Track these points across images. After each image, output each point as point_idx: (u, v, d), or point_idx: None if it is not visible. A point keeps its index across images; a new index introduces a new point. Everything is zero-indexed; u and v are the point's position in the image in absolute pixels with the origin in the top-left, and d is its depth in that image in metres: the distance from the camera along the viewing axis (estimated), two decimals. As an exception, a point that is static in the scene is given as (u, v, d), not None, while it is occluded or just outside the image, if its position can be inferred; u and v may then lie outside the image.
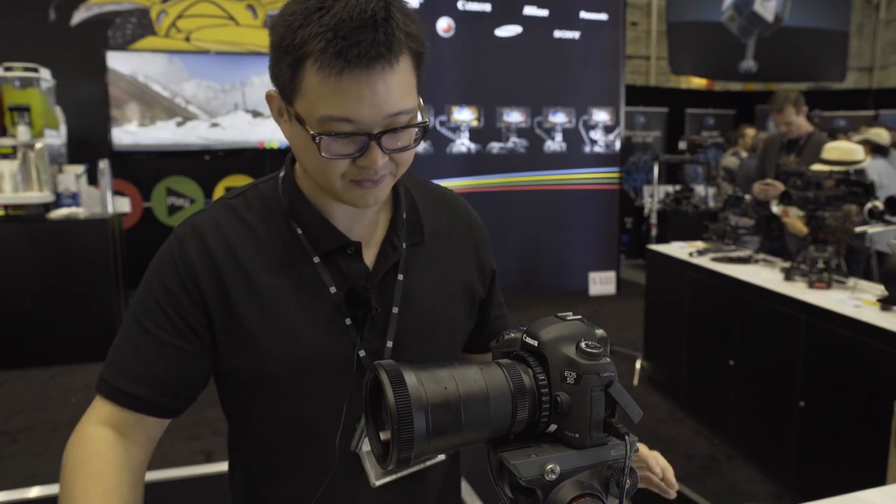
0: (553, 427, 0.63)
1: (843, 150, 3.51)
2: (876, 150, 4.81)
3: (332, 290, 0.97)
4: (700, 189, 8.44)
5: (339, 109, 0.83)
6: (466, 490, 3.22)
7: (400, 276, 1.02)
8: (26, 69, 4.76)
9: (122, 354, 0.95)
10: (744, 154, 7.04)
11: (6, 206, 4.58)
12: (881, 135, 5.06)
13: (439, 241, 1.08)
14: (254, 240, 0.97)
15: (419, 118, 0.90)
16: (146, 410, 0.94)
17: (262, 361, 0.94)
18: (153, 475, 2.42)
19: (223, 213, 0.99)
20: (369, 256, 1.01)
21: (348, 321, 0.97)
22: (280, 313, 0.94)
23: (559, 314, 0.66)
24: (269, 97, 0.94)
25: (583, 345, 0.61)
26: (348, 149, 0.86)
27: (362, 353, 0.97)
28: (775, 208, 3.68)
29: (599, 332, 0.64)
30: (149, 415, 0.94)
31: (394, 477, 1.00)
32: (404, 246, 1.03)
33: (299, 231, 0.98)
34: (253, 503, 1.05)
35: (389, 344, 0.99)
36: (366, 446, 0.98)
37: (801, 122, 4.14)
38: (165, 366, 0.93)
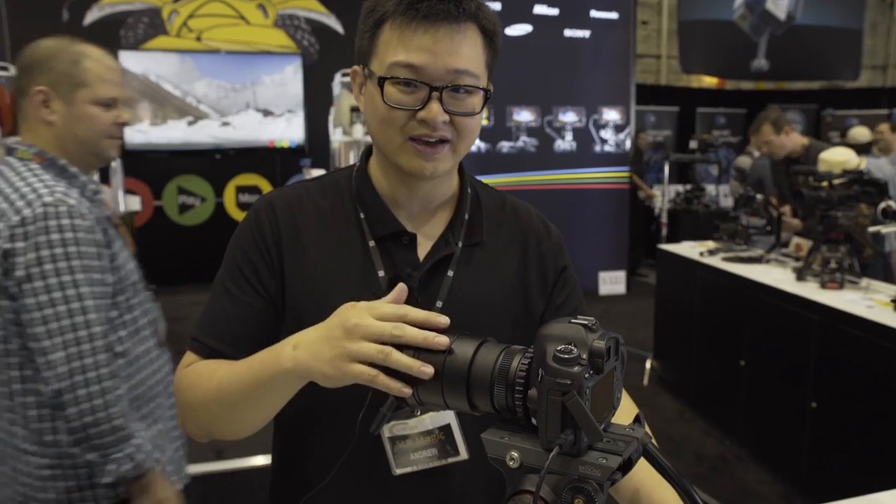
0: (534, 421, 0.65)
1: (836, 161, 3.48)
2: (857, 151, 4.78)
3: (381, 273, 1.01)
4: (711, 188, 8.40)
5: (404, 55, 0.91)
6: None
7: (450, 273, 1.04)
8: (39, 69, 4.79)
9: (209, 314, 1.03)
10: (756, 153, 7.00)
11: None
12: (861, 134, 5.02)
13: (500, 248, 1.09)
14: (318, 219, 1.04)
15: (489, 88, 0.96)
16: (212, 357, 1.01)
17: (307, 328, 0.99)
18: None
19: (296, 193, 1.07)
20: (424, 249, 1.04)
21: None
22: (325, 288, 1.00)
23: (577, 317, 0.65)
24: (353, 73, 1.02)
25: (559, 348, 0.62)
26: (410, 100, 0.93)
27: None
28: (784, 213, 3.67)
29: (599, 343, 0.62)
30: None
31: (415, 468, 1.01)
32: (460, 245, 1.05)
33: (362, 215, 1.04)
34: (285, 467, 1.08)
35: None
36: (388, 432, 0.99)
37: (783, 141, 4.00)
38: (244, 326, 1.01)
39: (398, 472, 1.00)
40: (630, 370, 4.26)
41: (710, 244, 4.25)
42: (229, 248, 1.05)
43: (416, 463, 1.01)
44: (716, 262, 3.83)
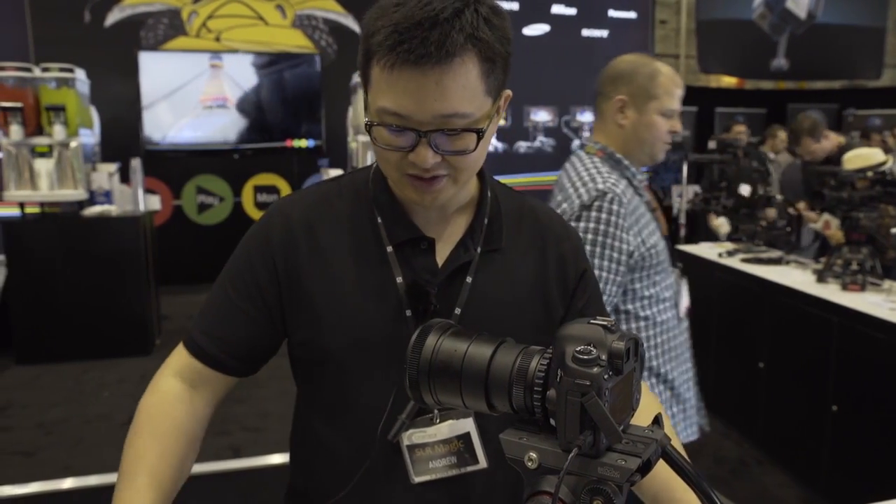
0: (553, 422, 0.65)
1: (862, 157, 3.44)
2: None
3: (399, 280, 1.00)
4: (730, 189, 8.32)
5: (390, 102, 0.87)
6: None
7: (468, 279, 1.02)
8: (62, 70, 4.85)
9: (206, 312, 1.04)
10: (772, 155, 6.93)
11: (42, 204, 4.68)
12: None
13: (520, 253, 1.07)
14: (336, 223, 1.03)
15: (486, 124, 0.91)
16: (214, 366, 1.03)
17: (323, 337, 1.00)
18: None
19: (313, 196, 1.06)
20: (442, 255, 1.03)
21: (409, 313, 0.99)
22: (345, 295, 0.99)
23: (596, 318, 0.65)
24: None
25: (578, 349, 0.61)
26: (400, 142, 0.90)
27: None
28: (816, 225, 3.65)
29: (618, 344, 0.62)
30: (216, 370, 1.03)
31: (434, 476, 1.00)
32: (479, 250, 1.03)
33: (379, 220, 1.02)
34: (303, 473, 1.08)
35: None
36: (407, 440, 0.99)
37: (824, 146, 4.17)
38: (236, 330, 1.01)
39: (417, 480, 1.00)
40: (647, 371, 4.23)
41: (729, 245, 4.22)
42: (237, 250, 1.05)
43: (435, 471, 1.00)
44: (735, 263, 3.80)
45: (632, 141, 1.80)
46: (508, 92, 0.99)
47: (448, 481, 1.01)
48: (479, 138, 0.91)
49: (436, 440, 1.00)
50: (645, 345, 1.68)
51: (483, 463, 1.02)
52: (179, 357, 1.04)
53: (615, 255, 1.65)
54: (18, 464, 3.25)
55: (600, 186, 1.67)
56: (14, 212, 4.69)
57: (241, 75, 6.49)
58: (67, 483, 3.01)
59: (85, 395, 4.13)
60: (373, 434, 0.98)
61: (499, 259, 1.05)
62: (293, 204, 1.04)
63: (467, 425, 1.02)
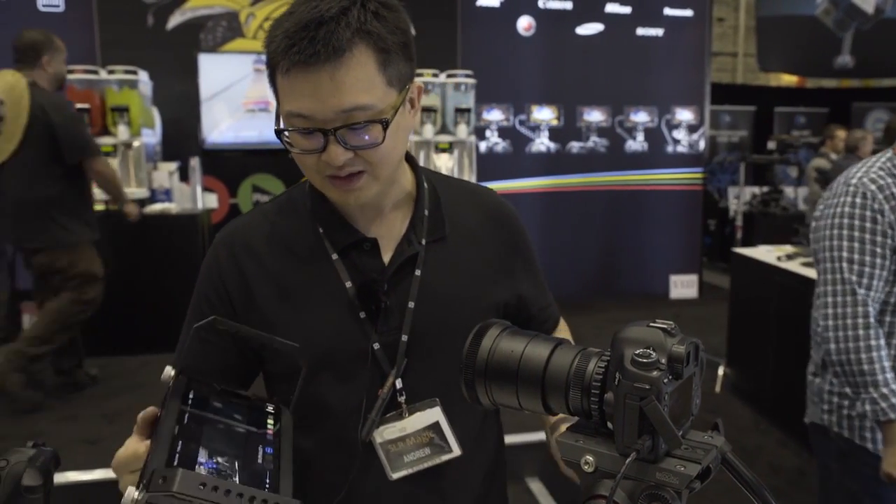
0: (610, 425, 0.64)
1: None
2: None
3: (348, 284, 1.02)
4: (789, 191, 8.10)
5: (293, 105, 0.91)
6: (540, 490, 3.20)
7: (417, 272, 1.05)
8: (126, 72, 5.02)
9: (179, 350, 1.08)
10: (833, 156, 6.72)
11: (106, 202, 4.84)
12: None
13: (464, 238, 1.10)
14: (279, 240, 1.05)
15: (390, 115, 0.92)
16: None
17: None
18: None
19: (253, 220, 1.09)
20: (387, 253, 1.05)
21: (362, 314, 1.02)
22: (299, 307, 1.02)
23: (656, 321, 0.64)
24: None
25: (638, 352, 0.61)
26: (311, 144, 0.93)
27: (376, 346, 1.02)
28: None
29: (678, 348, 0.61)
30: None
31: (411, 470, 1.01)
32: (423, 242, 1.06)
33: (320, 230, 1.05)
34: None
35: (404, 338, 1.03)
36: (379, 437, 1.01)
37: None
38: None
39: (394, 476, 1.01)
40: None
41: (789, 248, 4.10)
42: (196, 284, 1.09)
43: (412, 465, 1.02)
44: (795, 266, 3.70)
45: None
46: (419, 83, 1.00)
47: (424, 473, 1.03)
48: (385, 129, 0.92)
49: (407, 433, 1.02)
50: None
51: (457, 450, 1.03)
52: None
53: (864, 247, 1.68)
54: (82, 451, 3.37)
55: (853, 182, 1.71)
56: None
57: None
58: (127, 472, 3.11)
59: (145, 387, 4.26)
60: (353, 438, 1.00)
61: (445, 248, 1.07)
62: (234, 232, 1.08)
63: (435, 415, 1.03)
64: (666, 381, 0.59)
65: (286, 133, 0.93)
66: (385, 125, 0.92)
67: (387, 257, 1.05)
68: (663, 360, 0.60)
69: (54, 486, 0.76)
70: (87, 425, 3.74)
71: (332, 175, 0.95)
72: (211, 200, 5.59)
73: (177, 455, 0.72)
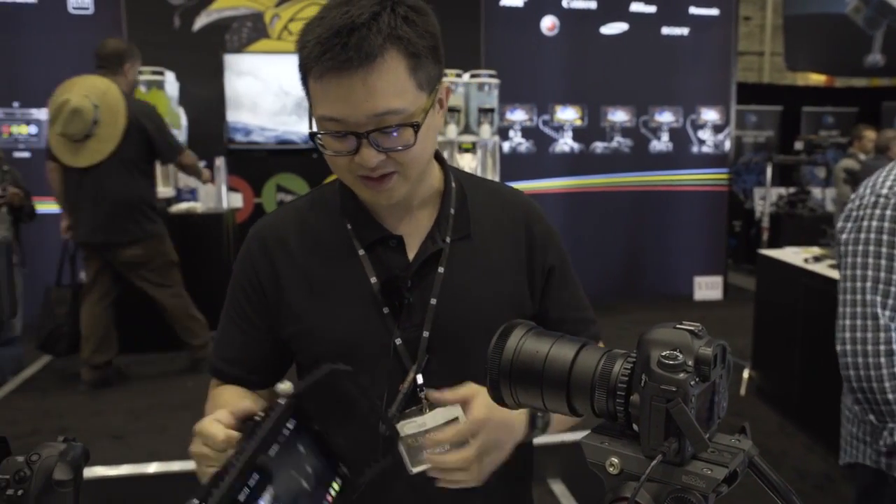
0: (636, 427, 0.63)
1: None
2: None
3: (373, 280, 1.05)
4: (817, 192, 7.98)
5: (325, 109, 0.93)
6: (562, 491, 3.19)
7: (440, 269, 1.06)
8: (153, 72, 5.08)
9: (218, 339, 1.15)
10: (862, 157, 6.61)
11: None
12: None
13: (489, 237, 1.10)
14: (309, 235, 1.09)
15: (421, 118, 0.94)
16: (237, 384, 1.12)
17: (310, 342, 1.08)
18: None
19: (285, 215, 1.13)
20: (412, 250, 1.07)
21: (386, 310, 1.04)
22: (325, 300, 1.06)
23: (682, 323, 0.64)
24: None
25: (664, 354, 0.60)
26: (343, 146, 0.95)
27: (398, 342, 1.04)
28: None
29: (705, 350, 0.60)
30: (241, 387, 1.12)
31: (429, 466, 1.01)
32: (448, 240, 1.07)
33: (348, 226, 1.08)
34: None
35: (426, 334, 1.04)
36: (399, 431, 1.01)
37: None
38: (245, 348, 1.11)
39: (415, 470, 1.01)
40: (726, 379, 4.11)
41: (816, 250, 4.04)
42: (232, 276, 1.14)
43: (431, 460, 1.01)
44: (822, 269, 3.64)
45: None
46: (447, 84, 1.02)
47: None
48: (416, 132, 0.94)
49: (427, 428, 1.03)
50: None
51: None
52: (214, 383, 1.16)
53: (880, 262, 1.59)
54: (109, 446, 3.42)
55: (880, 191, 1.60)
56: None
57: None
58: (152, 467, 3.15)
59: (169, 384, 4.32)
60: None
61: (470, 246, 1.09)
62: (266, 226, 1.13)
63: (455, 411, 1.03)
64: (693, 383, 0.59)
65: (319, 136, 0.96)
66: (416, 128, 0.94)
67: (412, 254, 1.07)
68: (690, 363, 0.59)
69: (83, 480, 0.77)
70: (113, 421, 3.79)
71: (364, 175, 0.97)
72: (236, 200, 5.64)
73: (245, 489, 0.73)
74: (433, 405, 1.04)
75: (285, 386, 0.87)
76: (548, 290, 1.14)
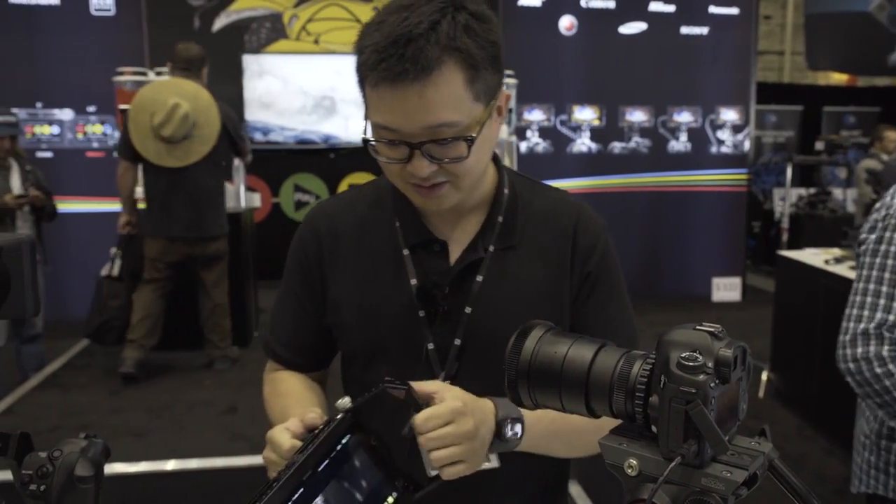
0: (654, 429, 0.63)
1: None
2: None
3: (413, 282, 1.04)
4: (838, 192, 7.89)
5: (380, 118, 0.92)
6: (579, 493, 3.18)
7: (479, 278, 1.04)
8: (173, 73, 5.11)
9: (273, 320, 1.17)
10: (885, 157, 6.53)
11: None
12: None
13: (534, 250, 1.08)
14: (359, 227, 1.10)
15: (476, 131, 0.92)
16: (286, 365, 1.16)
17: (346, 334, 1.10)
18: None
19: (340, 203, 1.15)
20: (455, 255, 1.06)
21: (422, 313, 1.04)
22: (364, 298, 1.07)
23: (702, 324, 0.63)
24: None
25: (684, 355, 0.59)
26: (396, 154, 0.94)
27: (430, 346, 1.03)
28: None
29: (725, 352, 0.60)
30: (294, 370, 1.16)
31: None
32: (492, 249, 1.05)
33: (397, 224, 1.07)
34: None
35: (457, 342, 1.03)
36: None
37: None
38: (295, 330, 1.14)
39: (432, 473, 0.99)
40: (744, 381, 4.08)
41: (837, 252, 3.99)
42: (286, 261, 1.15)
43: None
44: (843, 270, 3.60)
45: None
46: (507, 92, 1.00)
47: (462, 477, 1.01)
48: (470, 146, 0.92)
49: None
50: None
51: (494, 462, 1.01)
52: (270, 363, 1.19)
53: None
54: (130, 444, 3.46)
55: None
56: (127, 207, 4.96)
57: (339, 76, 6.67)
58: (171, 465, 3.18)
59: (188, 383, 4.35)
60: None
61: (513, 257, 1.06)
62: (320, 213, 1.14)
63: None
64: (712, 385, 0.58)
65: (372, 142, 0.95)
66: (470, 142, 0.92)
67: (454, 260, 1.06)
68: (710, 364, 0.59)
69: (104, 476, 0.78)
70: (133, 419, 3.83)
71: (416, 183, 0.96)
72: (254, 200, 5.68)
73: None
74: None
75: (343, 401, 0.87)
76: (580, 297, 1.10)
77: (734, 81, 6.63)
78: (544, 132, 6.40)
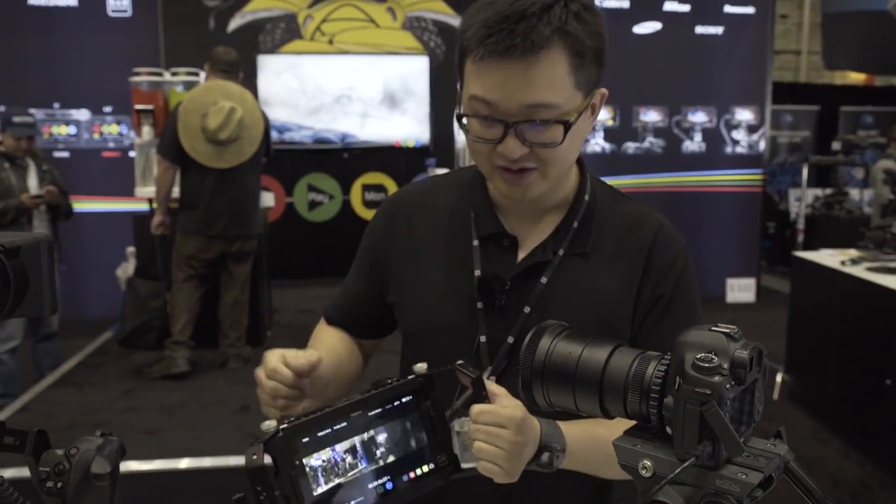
0: (669, 430, 0.63)
1: None
2: None
3: (477, 273, 1.04)
4: (855, 193, 7.81)
5: (480, 90, 0.91)
6: None
7: (543, 279, 1.03)
8: (189, 73, 5.15)
9: (342, 289, 1.22)
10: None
11: (150, 200, 4.95)
12: None
13: (606, 259, 1.06)
14: (434, 214, 1.12)
15: (574, 117, 0.92)
16: (334, 325, 1.21)
17: (405, 315, 1.12)
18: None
19: (420, 189, 1.18)
20: (524, 253, 1.06)
21: (479, 305, 1.04)
22: (428, 281, 1.09)
23: (718, 325, 0.63)
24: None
25: (699, 356, 0.59)
26: (489, 133, 0.93)
27: (482, 339, 1.03)
28: None
29: (741, 353, 0.59)
30: (343, 332, 1.20)
31: (473, 464, 0.98)
32: (560, 253, 1.04)
33: (472, 214, 1.08)
34: None
35: (510, 340, 1.03)
36: (458, 426, 0.99)
37: None
38: (354, 301, 1.19)
39: (464, 466, 0.99)
40: (759, 383, 4.04)
41: (853, 253, 3.95)
42: (362, 239, 1.19)
43: (476, 459, 0.99)
44: (860, 272, 3.56)
45: None
46: (604, 90, 0.99)
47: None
48: (567, 130, 0.92)
49: None
50: None
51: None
52: (320, 323, 1.24)
53: None
54: (143, 442, 3.48)
55: None
56: (143, 206, 5.01)
57: (353, 76, 6.68)
58: (184, 463, 3.20)
59: (202, 381, 4.37)
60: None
61: (582, 264, 1.05)
62: (399, 199, 1.17)
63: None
64: (728, 386, 0.58)
65: (465, 119, 0.95)
66: (567, 126, 0.92)
67: (522, 258, 1.05)
68: (725, 365, 0.59)
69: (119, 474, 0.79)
70: (147, 417, 3.86)
71: (504, 167, 0.96)
72: (268, 199, 5.69)
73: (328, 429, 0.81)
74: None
75: (420, 366, 0.89)
76: (651, 317, 1.06)
77: (749, 81, 6.59)
78: (558, 132, 6.38)
